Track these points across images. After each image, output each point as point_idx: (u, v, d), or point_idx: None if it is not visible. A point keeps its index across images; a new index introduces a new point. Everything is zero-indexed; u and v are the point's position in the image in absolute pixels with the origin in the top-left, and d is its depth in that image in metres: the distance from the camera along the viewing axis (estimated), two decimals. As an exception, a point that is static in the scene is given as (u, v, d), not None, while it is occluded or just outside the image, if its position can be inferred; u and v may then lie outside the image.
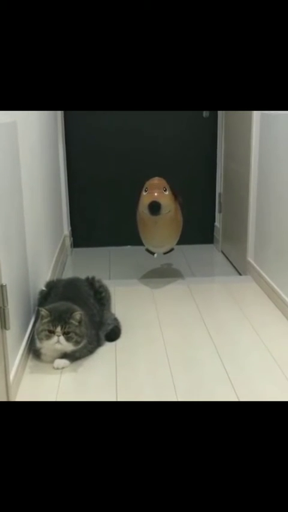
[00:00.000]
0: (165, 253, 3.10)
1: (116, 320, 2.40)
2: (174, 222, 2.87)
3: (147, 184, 2.80)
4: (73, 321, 2.03)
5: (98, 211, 3.90)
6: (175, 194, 2.85)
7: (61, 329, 2.00)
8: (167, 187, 2.78)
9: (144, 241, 2.98)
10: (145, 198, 2.74)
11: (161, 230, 2.84)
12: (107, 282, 2.51)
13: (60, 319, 2.01)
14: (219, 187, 3.81)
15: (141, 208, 2.79)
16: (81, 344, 2.06)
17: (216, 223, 3.93)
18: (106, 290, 2.44)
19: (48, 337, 2.01)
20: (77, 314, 2.04)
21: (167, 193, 2.75)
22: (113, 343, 2.28)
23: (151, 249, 3.02)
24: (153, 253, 3.06)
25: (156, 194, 2.70)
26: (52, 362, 2.07)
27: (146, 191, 2.77)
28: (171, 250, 3.08)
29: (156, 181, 2.79)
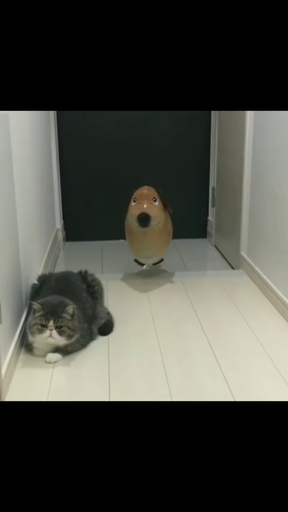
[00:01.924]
0: (154, 264, 3.02)
1: (108, 313, 2.39)
2: (164, 233, 2.79)
3: (136, 194, 2.68)
4: (66, 315, 2.02)
5: (91, 205, 3.88)
6: (165, 204, 2.75)
7: (54, 323, 1.99)
8: (157, 197, 2.68)
9: (132, 252, 2.90)
10: (134, 209, 2.64)
11: (151, 241, 2.75)
12: (99, 276, 2.50)
13: (52, 313, 2.00)
14: (212, 181, 3.81)
15: (130, 218, 2.68)
16: (74, 338, 2.06)
17: (210, 218, 3.93)
18: (99, 284, 2.43)
19: (40, 331, 2.00)
20: (69, 308, 2.03)
21: (156, 203, 2.65)
22: (105, 337, 2.27)
23: (140, 259, 2.94)
24: (142, 264, 2.98)
25: (145, 206, 2.60)
26: (44, 356, 2.06)
27: (134, 201, 2.66)
28: (161, 261, 3.00)
29: (145, 191, 2.68)
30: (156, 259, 2.94)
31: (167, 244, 2.88)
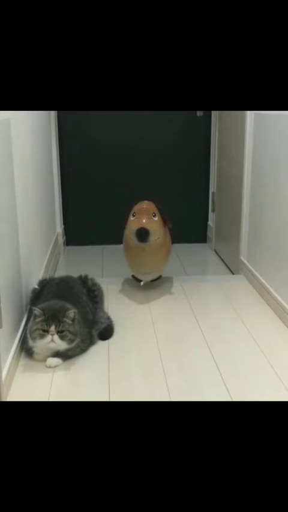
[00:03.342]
0: (152, 281, 2.91)
1: (109, 318, 2.40)
2: (163, 249, 2.71)
3: (135, 208, 2.63)
4: (67, 320, 2.02)
5: (91, 209, 3.89)
6: (164, 219, 2.69)
7: (55, 327, 1.99)
8: (156, 212, 2.62)
9: (130, 268, 2.82)
10: (132, 224, 2.58)
11: (149, 257, 2.68)
12: (99, 280, 2.50)
13: (54, 318, 2.00)
14: (212, 186, 3.82)
15: (128, 233, 2.62)
16: (75, 343, 2.06)
17: (210, 222, 3.94)
18: (99, 288, 2.44)
19: (42, 336, 2.00)
20: (70, 313, 2.03)
21: (156, 218, 2.59)
22: (105, 341, 2.28)
23: (138, 276, 2.85)
24: (139, 281, 2.87)
25: (144, 221, 2.54)
26: (44, 360, 2.06)
27: (133, 216, 2.60)
28: (159, 277, 2.92)
29: (144, 205, 2.62)
30: (154, 276, 2.85)
31: (166, 261, 2.80)
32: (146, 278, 2.83)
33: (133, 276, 2.92)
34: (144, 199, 2.70)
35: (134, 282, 3.00)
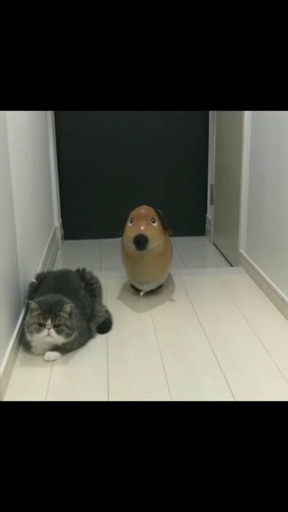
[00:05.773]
0: (152, 291, 2.72)
1: (107, 312, 2.39)
2: (163, 257, 2.56)
3: (133, 214, 2.48)
4: (63, 314, 2.01)
5: (89, 203, 3.88)
6: (164, 225, 2.54)
7: (51, 321, 1.98)
8: (156, 217, 2.48)
9: (128, 276, 2.68)
10: (130, 230, 2.43)
11: (148, 266, 2.52)
12: (98, 274, 2.49)
13: (50, 312, 1.99)
14: (211, 179, 3.80)
15: (126, 241, 2.46)
16: (72, 337, 2.05)
17: (208, 215, 3.93)
18: (97, 282, 2.43)
19: (38, 330, 1.99)
20: (67, 307, 2.02)
21: (155, 224, 2.45)
22: (104, 335, 2.27)
23: (136, 285, 2.69)
24: (139, 291, 2.68)
25: (142, 227, 2.40)
26: (43, 354, 2.05)
27: (131, 222, 2.46)
28: (160, 287, 2.74)
29: (143, 210, 2.47)
30: (154, 286, 2.67)
31: (167, 270, 2.66)
32: (145, 288, 2.66)
33: (132, 286, 2.77)
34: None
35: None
